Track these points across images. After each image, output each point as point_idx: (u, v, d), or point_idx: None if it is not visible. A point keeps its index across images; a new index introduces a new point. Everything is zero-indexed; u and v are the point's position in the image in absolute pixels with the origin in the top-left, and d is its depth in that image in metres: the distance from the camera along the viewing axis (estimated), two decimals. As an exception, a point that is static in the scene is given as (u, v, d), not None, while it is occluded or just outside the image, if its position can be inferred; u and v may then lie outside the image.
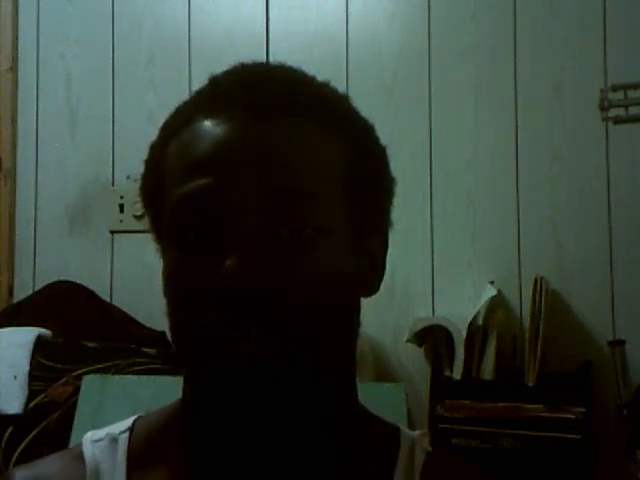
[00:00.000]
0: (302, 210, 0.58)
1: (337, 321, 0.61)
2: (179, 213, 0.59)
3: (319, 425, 0.63)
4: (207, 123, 0.60)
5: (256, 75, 0.65)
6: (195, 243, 0.58)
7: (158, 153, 0.64)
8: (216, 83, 0.65)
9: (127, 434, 0.68)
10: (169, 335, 0.63)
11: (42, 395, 1.72)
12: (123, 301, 2.01)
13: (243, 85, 0.63)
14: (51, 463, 0.69)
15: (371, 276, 0.67)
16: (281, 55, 2.13)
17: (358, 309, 0.66)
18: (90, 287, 2.01)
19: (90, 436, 0.69)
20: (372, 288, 0.68)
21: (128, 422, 0.70)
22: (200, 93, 0.65)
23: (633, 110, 1.75)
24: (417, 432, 0.70)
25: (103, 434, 0.69)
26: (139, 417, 0.70)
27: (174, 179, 0.61)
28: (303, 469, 0.63)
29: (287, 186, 0.58)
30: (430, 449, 0.68)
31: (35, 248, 2.14)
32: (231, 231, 0.57)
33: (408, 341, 1.74)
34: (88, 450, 0.67)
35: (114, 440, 0.67)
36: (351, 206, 0.62)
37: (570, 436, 1.54)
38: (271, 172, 0.58)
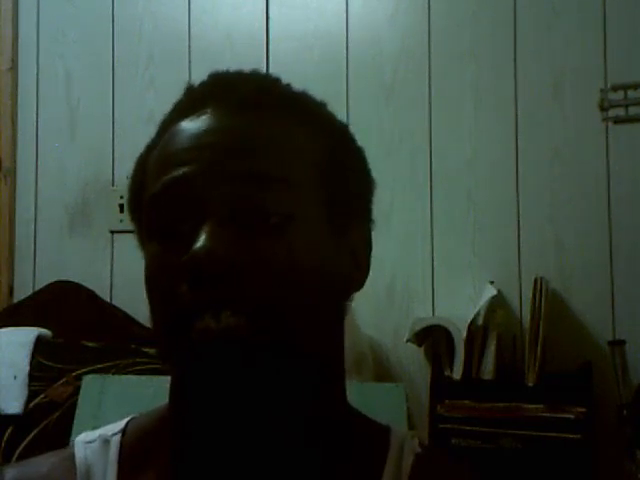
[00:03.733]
0: (270, 195, 0.59)
1: (310, 303, 0.60)
2: (154, 205, 0.61)
3: (297, 417, 0.62)
4: (182, 124, 0.63)
5: (228, 78, 0.67)
6: (170, 233, 0.59)
7: (140, 164, 0.67)
8: (190, 90, 0.67)
9: (119, 436, 0.67)
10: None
11: (42, 395, 1.72)
12: (123, 301, 2.01)
13: (215, 87, 0.65)
14: (41, 463, 0.68)
15: (353, 271, 0.66)
16: (281, 55, 2.15)
17: (338, 300, 0.65)
18: (90, 287, 2.01)
19: (82, 437, 0.68)
20: (355, 284, 0.67)
21: (121, 424, 0.69)
22: (176, 103, 0.68)
23: (633, 110, 1.75)
24: (407, 432, 0.69)
25: (95, 436, 0.68)
26: (132, 418, 0.70)
27: (152, 178, 0.63)
28: (285, 464, 0.62)
29: (255, 171, 0.59)
30: (420, 450, 0.67)
31: (35, 248, 2.14)
32: (201, 217, 0.58)
33: (408, 341, 1.74)
34: (80, 451, 0.67)
35: (106, 442, 0.67)
36: (327, 199, 0.63)
37: (570, 436, 1.54)
38: (239, 158, 0.59)
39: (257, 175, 0.59)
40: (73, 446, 0.68)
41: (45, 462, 0.68)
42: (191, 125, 0.62)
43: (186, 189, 0.59)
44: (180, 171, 0.59)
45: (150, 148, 0.66)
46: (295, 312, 0.58)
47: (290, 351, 0.58)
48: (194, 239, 0.57)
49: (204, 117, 0.62)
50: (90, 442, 0.68)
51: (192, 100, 0.65)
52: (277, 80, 0.68)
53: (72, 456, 0.67)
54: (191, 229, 0.58)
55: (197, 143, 0.61)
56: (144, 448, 0.66)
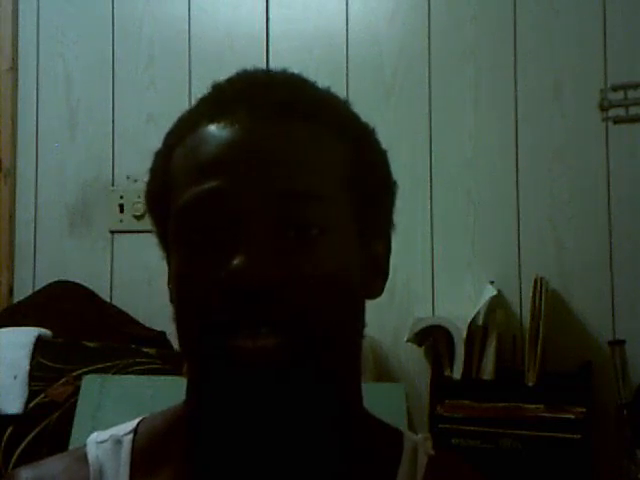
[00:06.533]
0: (306, 211, 0.59)
1: (343, 319, 0.61)
2: (186, 216, 0.60)
3: (322, 427, 0.63)
4: (212, 127, 0.61)
5: (259, 80, 0.66)
6: (202, 245, 0.59)
7: (163, 160, 0.65)
8: (219, 89, 0.66)
9: (131, 436, 0.68)
10: (175, 336, 0.63)
11: (42, 395, 1.72)
12: (123, 301, 2.01)
13: (246, 90, 0.64)
14: (55, 463, 0.69)
15: (374, 279, 0.67)
16: (281, 55, 2.15)
17: (363, 310, 0.65)
18: (90, 287, 2.01)
19: (94, 437, 0.69)
20: (376, 291, 0.67)
21: (132, 424, 0.70)
22: (203, 100, 0.66)
23: (633, 110, 1.75)
24: (420, 436, 0.70)
25: (107, 436, 0.69)
26: (143, 419, 0.70)
27: (180, 183, 0.61)
28: (306, 471, 0.63)
29: (291, 187, 0.59)
30: (433, 452, 0.68)
31: (35, 248, 2.14)
32: (238, 232, 0.57)
33: (408, 341, 1.74)
34: (92, 451, 0.67)
35: (118, 442, 0.68)
36: (354, 207, 0.63)
37: (570, 436, 1.54)
38: (275, 174, 0.59)
39: (292, 190, 0.59)
40: (85, 446, 0.68)
41: (59, 463, 0.69)
42: (223, 132, 0.60)
43: (221, 202, 0.58)
44: (214, 183, 0.58)
45: (172, 145, 0.64)
46: (328, 327, 0.59)
47: (322, 367, 0.59)
48: (230, 253, 0.56)
49: (237, 125, 0.60)
50: (102, 442, 0.68)
51: (222, 102, 0.63)
52: (306, 82, 0.67)
53: (85, 456, 0.67)
54: (225, 241, 0.57)
55: (231, 154, 0.60)
56: (156, 448, 0.67)
